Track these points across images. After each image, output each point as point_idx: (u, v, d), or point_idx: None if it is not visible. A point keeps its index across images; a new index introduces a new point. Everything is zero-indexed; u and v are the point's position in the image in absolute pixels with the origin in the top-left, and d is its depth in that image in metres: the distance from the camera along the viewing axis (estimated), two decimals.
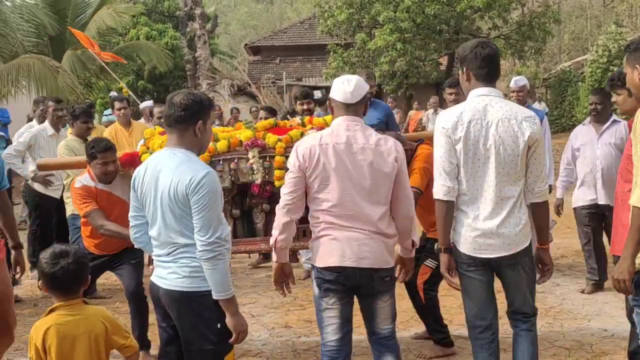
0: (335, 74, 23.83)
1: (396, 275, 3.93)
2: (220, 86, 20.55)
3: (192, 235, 3.31)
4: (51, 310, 3.24)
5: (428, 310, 5.28)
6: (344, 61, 23.26)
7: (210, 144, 4.57)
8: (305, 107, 6.99)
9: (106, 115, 15.34)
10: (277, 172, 4.63)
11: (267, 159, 4.70)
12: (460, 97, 7.12)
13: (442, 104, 19.85)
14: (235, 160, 4.72)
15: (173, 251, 3.39)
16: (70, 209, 7.02)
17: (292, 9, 58.45)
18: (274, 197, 4.62)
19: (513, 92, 7.51)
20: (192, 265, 3.34)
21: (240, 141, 4.77)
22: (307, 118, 5.31)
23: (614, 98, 5.31)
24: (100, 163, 5.11)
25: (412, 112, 17.38)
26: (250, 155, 4.69)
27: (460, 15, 22.08)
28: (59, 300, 3.25)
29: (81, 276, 3.27)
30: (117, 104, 8.01)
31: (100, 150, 5.11)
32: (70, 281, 3.21)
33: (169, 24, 27.95)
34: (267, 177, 4.71)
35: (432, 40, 22.44)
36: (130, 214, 3.61)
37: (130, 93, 12.87)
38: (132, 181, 3.52)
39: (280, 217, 3.71)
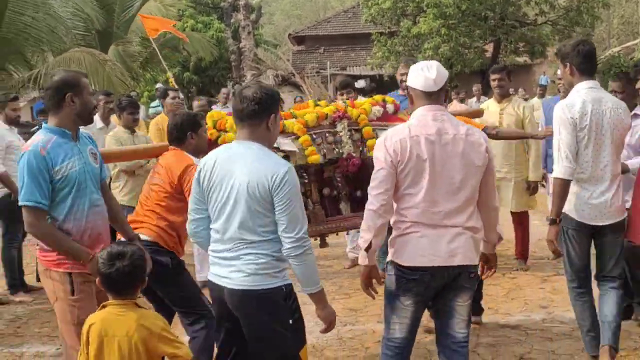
0: (380, 64, 23.79)
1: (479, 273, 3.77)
2: (264, 76, 20.67)
3: (264, 233, 3.28)
4: (104, 306, 3.25)
5: None
6: (389, 50, 23.14)
7: (300, 118, 4.75)
8: (345, 96, 6.97)
9: (153, 107, 15.59)
10: (369, 142, 4.76)
11: (353, 132, 4.83)
12: (504, 84, 7.08)
13: (487, 92, 19.63)
14: (326, 134, 4.76)
15: (238, 247, 3.31)
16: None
17: None
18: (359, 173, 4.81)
19: None
20: (258, 262, 3.28)
21: (326, 115, 4.82)
22: (348, 102, 5.33)
23: (638, 84, 5.18)
24: None
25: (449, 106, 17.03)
26: (339, 127, 4.77)
27: (506, 1, 21.79)
28: (113, 298, 3.25)
29: (136, 278, 3.24)
30: (171, 93, 8.06)
31: None
32: (125, 283, 3.21)
33: (214, 15, 28.14)
34: (353, 150, 4.79)
35: (477, 26, 22.18)
36: (191, 207, 3.50)
37: (175, 85, 13.04)
38: (197, 174, 3.41)
39: (375, 219, 3.45)
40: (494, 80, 7.05)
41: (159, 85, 17.19)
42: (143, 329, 3.14)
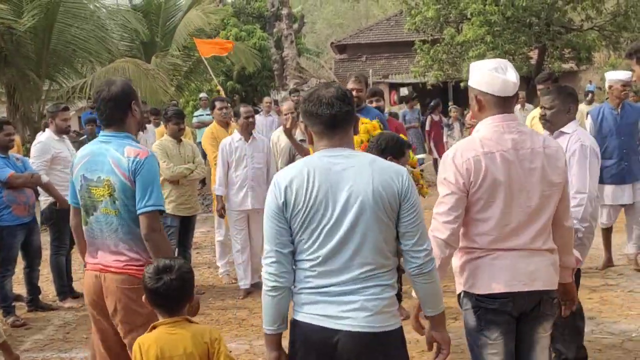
0: (423, 72, 23.66)
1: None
2: (307, 85, 20.75)
3: (391, 255, 2.76)
4: (154, 327, 3.07)
5: None
6: (432, 58, 23.01)
7: None
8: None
9: (196, 116, 15.81)
10: None
11: None
12: None
13: (533, 99, 19.36)
14: None
15: (359, 277, 2.69)
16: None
17: (378, 6, 58.16)
18: None
19: (624, 85, 7.24)
20: (382, 296, 2.71)
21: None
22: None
23: (635, 74, 4.56)
24: None
25: None
26: None
27: (551, 7, 21.46)
28: (162, 316, 3.08)
29: (185, 293, 3.07)
30: (218, 104, 8.10)
31: None
32: (174, 298, 3.03)
33: (256, 24, 28.38)
34: None
35: (522, 33, 21.89)
36: (275, 241, 2.74)
37: (223, 94, 13.22)
38: (278, 197, 2.72)
39: (444, 249, 3.06)
40: (539, 90, 6.93)
41: (202, 94, 17.42)
42: (203, 345, 3.01)
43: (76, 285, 7.72)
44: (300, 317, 2.75)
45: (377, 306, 2.69)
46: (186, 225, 7.29)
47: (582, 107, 15.88)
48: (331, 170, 2.71)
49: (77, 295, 7.40)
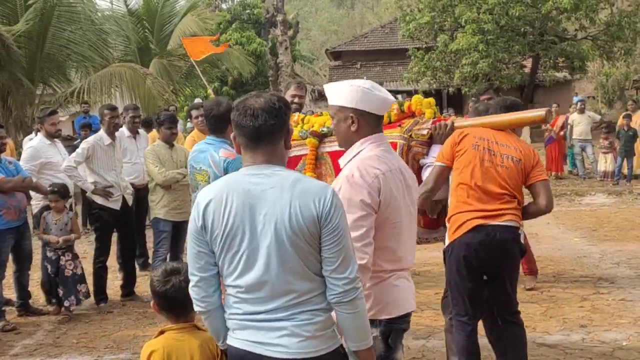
0: (417, 78, 23.75)
1: None
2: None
3: (317, 279, 2.56)
4: (161, 332, 2.97)
5: None
6: (426, 65, 23.10)
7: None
8: None
9: None
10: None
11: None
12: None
13: (526, 108, 19.48)
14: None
15: (286, 304, 2.53)
16: (154, 213, 7.22)
17: (373, 13, 58.44)
18: None
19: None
20: (315, 321, 2.55)
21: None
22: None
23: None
24: None
25: None
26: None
27: (545, 17, 21.59)
28: (170, 321, 2.98)
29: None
30: (194, 112, 8.02)
31: None
32: (182, 301, 2.87)
33: (252, 30, 28.45)
34: None
35: (516, 42, 22.01)
36: (195, 265, 2.61)
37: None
38: (197, 219, 2.58)
39: (366, 274, 2.97)
40: (483, 100, 6.95)
41: (197, 100, 17.43)
42: (207, 352, 2.91)
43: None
44: (231, 342, 2.63)
45: (310, 331, 2.53)
46: (178, 230, 7.26)
47: (574, 116, 16.06)
48: (250, 191, 2.52)
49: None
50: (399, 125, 4.57)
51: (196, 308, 2.65)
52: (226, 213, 2.51)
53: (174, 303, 2.92)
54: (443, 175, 4.29)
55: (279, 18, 26.29)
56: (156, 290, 2.94)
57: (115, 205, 7.17)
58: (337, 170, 4.34)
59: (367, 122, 3.07)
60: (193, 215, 2.58)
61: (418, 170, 4.51)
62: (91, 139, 7.28)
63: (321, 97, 21.53)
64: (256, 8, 29.56)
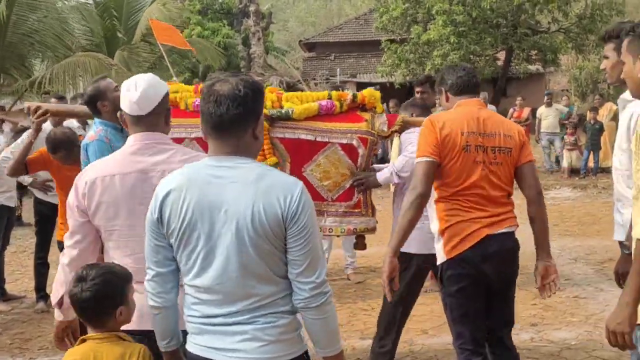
0: (390, 71, 23.57)
1: None
2: (269, 83, 20.63)
3: (280, 281, 2.39)
4: (83, 340, 2.78)
5: None
6: (399, 57, 22.91)
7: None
8: None
9: None
10: None
11: None
12: (426, 96, 6.52)
13: (499, 100, 19.25)
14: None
15: (247, 307, 2.36)
16: None
17: (350, 4, 58.15)
18: None
19: None
20: (278, 324, 2.38)
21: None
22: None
23: (602, 64, 3.78)
24: None
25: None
26: None
27: (518, 9, 21.47)
28: (90, 329, 2.77)
29: (104, 304, 2.68)
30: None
31: None
32: (91, 309, 2.68)
33: (224, 21, 28.11)
34: None
35: (489, 34, 21.88)
36: (152, 259, 2.49)
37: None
38: (154, 209, 2.43)
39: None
40: (417, 92, 6.75)
41: None
42: None
43: (10, 287, 7.46)
44: (189, 347, 2.46)
45: (272, 334, 2.36)
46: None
47: (542, 109, 15.99)
48: (210, 184, 2.33)
49: (8, 298, 7.12)
50: (365, 120, 4.36)
51: (149, 302, 2.51)
52: (184, 207, 2.34)
53: (82, 311, 2.74)
54: (431, 172, 3.54)
55: (252, 8, 25.92)
56: (69, 294, 2.76)
57: (55, 199, 6.75)
58: (293, 159, 4.22)
59: (126, 122, 2.98)
60: (150, 207, 2.43)
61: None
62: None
63: (290, 88, 21.37)
64: None
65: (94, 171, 2.87)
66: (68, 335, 3.06)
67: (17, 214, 8.89)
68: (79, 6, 19.81)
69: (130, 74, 16.40)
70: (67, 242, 2.92)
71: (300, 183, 2.39)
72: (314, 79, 27.65)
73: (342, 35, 32.63)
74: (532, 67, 25.21)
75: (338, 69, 28.74)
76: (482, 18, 21.42)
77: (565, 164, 15.12)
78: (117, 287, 2.70)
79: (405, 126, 4.48)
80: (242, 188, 2.30)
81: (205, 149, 3.02)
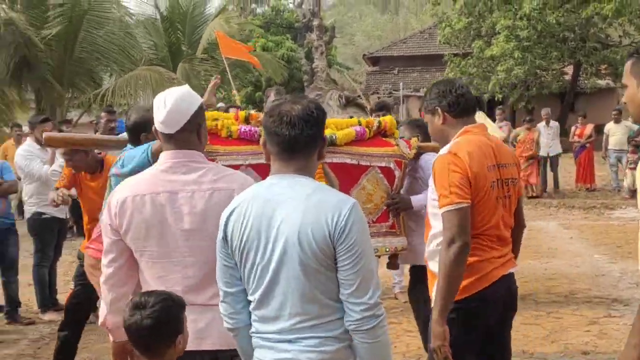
0: None
1: None
2: (328, 97, 20.51)
3: (330, 303, 2.32)
4: None
5: None
6: (462, 71, 22.64)
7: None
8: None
9: None
10: None
11: None
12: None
13: (567, 116, 18.67)
14: None
15: (293, 326, 2.32)
16: None
17: (417, 18, 57.90)
18: None
19: None
20: (322, 350, 2.31)
21: None
22: None
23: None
24: None
25: (520, 131, 14.76)
26: None
27: (587, 22, 20.90)
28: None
29: (165, 332, 2.53)
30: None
31: None
32: (146, 338, 2.53)
33: (287, 35, 28.32)
34: None
35: (555, 48, 21.37)
36: (222, 279, 2.46)
37: (238, 102, 13.03)
38: (220, 231, 2.44)
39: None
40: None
41: (220, 104, 17.38)
42: None
43: (61, 298, 7.57)
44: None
45: (312, 359, 2.29)
46: None
47: (610, 125, 15.41)
48: (269, 201, 2.33)
49: (59, 308, 7.22)
50: (396, 145, 4.52)
51: (225, 324, 2.50)
52: (244, 224, 2.34)
53: (140, 340, 2.54)
54: (469, 218, 3.10)
55: (315, 23, 26.08)
56: (124, 322, 2.58)
57: (61, 214, 6.85)
58: (341, 183, 4.23)
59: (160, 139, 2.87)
60: (219, 227, 2.44)
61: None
62: None
63: (349, 102, 21.26)
64: (286, 12, 29.45)
65: (126, 190, 2.79)
66: (129, 355, 2.96)
67: (69, 225, 9.02)
68: (144, 21, 20.28)
69: (188, 86, 16.71)
70: (103, 261, 2.86)
71: (353, 201, 2.34)
72: (377, 93, 27.53)
73: (406, 49, 32.38)
74: (602, 82, 24.48)
75: (401, 83, 28.51)
76: (547, 32, 20.93)
77: (625, 183, 14.51)
78: (176, 314, 2.57)
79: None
80: (295, 205, 2.29)
81: (261, 174, 2.97)
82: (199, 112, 2.78)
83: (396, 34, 57.17)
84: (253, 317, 2.42)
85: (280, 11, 29.99)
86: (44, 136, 4.47)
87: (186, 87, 2.85)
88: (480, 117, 6.73)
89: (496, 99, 22.23)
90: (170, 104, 2.71)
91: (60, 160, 6.79)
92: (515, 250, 3.42)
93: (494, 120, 15.48)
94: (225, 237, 2.40)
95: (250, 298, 2.41)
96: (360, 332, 2.28)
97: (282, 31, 28.91)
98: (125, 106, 16.20)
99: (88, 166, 5.23)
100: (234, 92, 13.92)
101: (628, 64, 2.51)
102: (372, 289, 2.29)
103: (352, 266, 2.26)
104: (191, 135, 2.77)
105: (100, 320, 2.98)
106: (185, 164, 2.74)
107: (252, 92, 25.50)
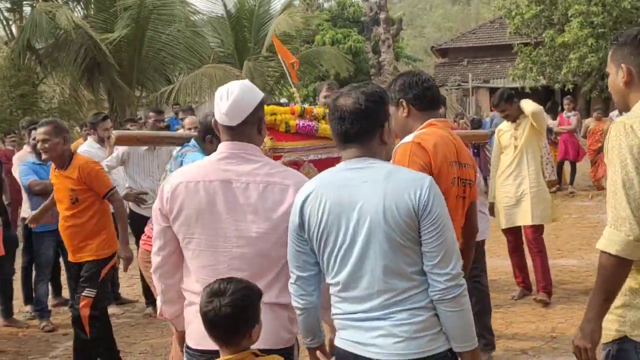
0: (523, 75, 22.68)
1: None
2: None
3: (416, 276, 2.41)
4: None
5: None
6: (532, 60, 22.02)
7: None
8: None
9: None
10: None
11: None
12: (509, 112, 6.68)
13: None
14: None
15: (382, 302, 2.41)
16: None
17: (488, 8, 56.84)
18: None
19: None
20: (415, 320, 2.40)
21: None
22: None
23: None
24: None
25: (590, 122, 14.03)
26: None
27: None
28: (221, 349, 2.57)
29: (243, 320, 2.49)
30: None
31: None
32: (225, 326, 2.49)
33: (354, 29, 28.22)
34: None
35: None
36: (293, 263, 2.57)
37: (298, 100, 13.07)
38: (295, 217, 2.53)
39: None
40: (500, 111, 6.80)
41: (283, 100, 17.49)
42: None
43: (126, 291, 7.76)
44: (337, 342, 2.56)
45: (407, 332, 2.38)
46: None
47: None
48: (345, 186, 2.44)
49: (121, 302, 7.40)
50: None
51: (293, 303, 2.62)
52: (320, 209, 2.45)
53: (215, 329, 2.52)
54: None
55: (382, 16, 25.99)
56: (201, 311, 2.55)
57: (148, 212, 6.92)
58: None
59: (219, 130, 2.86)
60: (292, 212, 2.55)
61: None
62: None
63: None
64: (352, 6, 29.32)
65: (180, 176, 2.78)
66: None
67: None
68: (211, 19, 20.57)
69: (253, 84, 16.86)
70: (153, 250, 2.86)
71: (429, 177, 2.46)
72: (445, 85, 27.14)
73: (475, 39, 31.72)
74: None
75: (470, 75, 28.03)
76: (623, 18, 20.12)
77: None
78: (255, 304, 2.54)
79: None
80: (373, 186, 2.40)
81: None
82: (261, 106, 2.79)
83: (467, 25, 56.22)
84: (336, 299, 2.51)
85: (347, 5, 29.87)
86: (114, 135, 4.56)
87: (247, 82, 2.84)
88: (526, 103, 6.58)
89: (566, 88, 21.56)
90: (234, 96, 2.70)
91: (107, 160, 6.81)
92: (466, 259, 3.14)
93: (562, 110, 15.02)
94: (301, 223, 2.49)
95: (331, 281, 2.51)
96: (445, 301, 2.38)
97: (348, 25, 28.80)
98: (191, 104, 16.48)
99: (59, 158, 5.17)
100: (294, 90, 14.00)
101: (610, 52, 2.55)
102: (454, 259, 2.40)
103: (437, 238, 2.38)
104: (252, 128, 2.76)
105: (158, 311, 3.01)
106: (241, 155, 2.73)
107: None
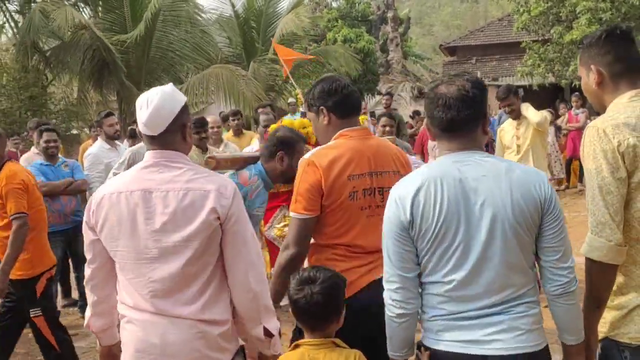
0: (530, 72, 22.59)
1: None
2: (401, 88, 20.32)
3: (530, 271, 2.43)
4: (296, 345, 2.70)
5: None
6: (541, 57, 21.92)
7: None
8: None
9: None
10: None
11: None
12: (514, 107, 6.74)
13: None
14: None
15: (507, 298, 2.37)
16: None
17: (497, 6, 56.68)
18: None
19: None
20: (530, 313, 2.40)
21: None
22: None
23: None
24: None
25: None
26: None
27: None
28: (307, 333, 2.70)
29: (332, 308, 2.64)
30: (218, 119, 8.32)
31: None
32: (314, 313, 2.62)
33: (362, 27, 28.19)
34: None
35: None
36: (400, 266, 2.44)
37: (302, 101, 13.07)
38: (402, 215, 2.40)
39: None
40: (503, 107, 6.78)
41: (290, 100, 17.51)
42: None
43: None
44: (438, 346, 2.42)
45: (527, 324, 2.37)
46: None
47: None
48: (462, 180, 2.35)
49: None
50: None
51: (397, 310, 2.46)
52: (437, 204, 2.35)
53: (305, 315, 2.66)
54: (309, 228, 3.10)
55: (390, 14, 26.04)
56: (291, 298, 2.68)
57: None
58: None
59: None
60: (396, 211, 2.42)
61: None
62: (135, 147, 6.88)
63: (422, 94, 21.03)
64: (363, 4, 29.24)
65: (105, 188, 2.73)
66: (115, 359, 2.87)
67: None
68: (219, 19, 20.61)
69: (258, 85, 16.86)
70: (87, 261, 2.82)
71: (544, 173, 2.48)
72: None
73: (484, 37, 31.59)
74: None
75: (478, 73, 27.92)
76: (632, 14, 20.01)
77: None
78: (342, 291, 2.69)
79: None
80: (496, 181, 2.35)
81: None
82: (183, 112, 2.69)
83: (476, 22, 56.13)
84: (441, 299, 2.41)
85: (355, 3, 29.83)
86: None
87: (170, 87, 2.72)
88: (530, 112, 6.57)
89: (574, 85, 21.46)
90: (153, 105, 2.60)
91: (115, 166, 6.63)
92: None
93: (570, 107, 14.93)
94: (412, 221, 2.37)
95: (443, 279, 2.39)
96: (566, 295, 2.39)
97: (356, 24, 28.75)
98: (198, 104, 16.54)
99: None
100: (298, 91, 14.01)
101: (579, 56, 2.59)
102: (570, 254, 2.43)
103: (559, 232, 2.39)
104: (174, 136, 2.67)
105: (85, 322, 2.92)
106: (163, 163, 2.66)
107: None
